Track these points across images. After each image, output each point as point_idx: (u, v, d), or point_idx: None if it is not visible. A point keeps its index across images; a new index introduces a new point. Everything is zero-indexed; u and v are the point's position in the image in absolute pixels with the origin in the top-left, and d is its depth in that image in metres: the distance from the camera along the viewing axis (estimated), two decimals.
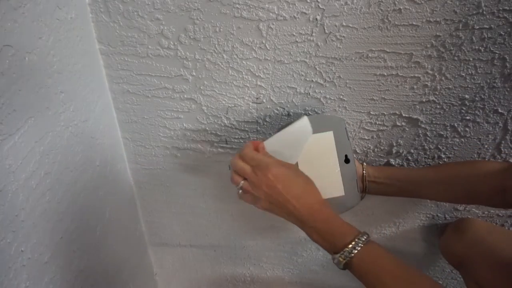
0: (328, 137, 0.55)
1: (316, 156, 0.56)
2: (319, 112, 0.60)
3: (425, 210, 0.73)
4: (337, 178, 0.56)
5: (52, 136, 0.46)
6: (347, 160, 0.56)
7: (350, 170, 0.56)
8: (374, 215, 0.75)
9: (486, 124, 0.58)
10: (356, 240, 0.42)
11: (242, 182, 0.48)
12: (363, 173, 0.59)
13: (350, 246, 0.42)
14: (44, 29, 0.43)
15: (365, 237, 0.43)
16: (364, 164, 0.60)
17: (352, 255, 0.42)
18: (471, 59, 0.52)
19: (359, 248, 0.41)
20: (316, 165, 0.56)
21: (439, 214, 0.73)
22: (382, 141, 0.63)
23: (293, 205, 0.45)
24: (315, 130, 0.54)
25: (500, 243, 0.58)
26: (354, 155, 0.66)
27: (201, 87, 0.59)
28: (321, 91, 0.58)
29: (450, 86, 0.55)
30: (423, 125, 0.60)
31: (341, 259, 0.42)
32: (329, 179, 0.56)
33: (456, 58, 0.52)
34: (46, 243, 0.47)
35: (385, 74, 0.55)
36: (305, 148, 0.53)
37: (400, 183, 0.58)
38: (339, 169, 0.56)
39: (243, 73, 0.57)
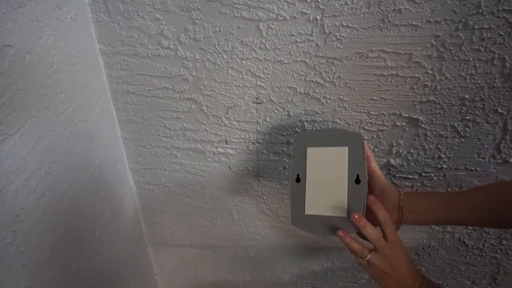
0: (341, 152, 0.52)
1: (327, 170, 0.53)
2: (319, 112, 0.60)
3: None
4: (342, 198, 0.52)
5: (52, 136, 0.46)
6: (358, 181, 0.51)
7: (359, 192, 0.51)
8: None
9: (486, 124, 0.58)
10: None
11: (369, 255, 0.49)
12: (399, 202, 0.53)
13: None
14: (44, 29, 0.43)
15: None
16: (401, 192, 0.54)
17: None
18: (471, 59, 0.52)
19: None
20: (325, 179, 0.53)
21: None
22: (382, 141, 0.63)
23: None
24: (331, 143, 0.53)
25: None
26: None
27: (201, 87, 0.59)
28: (321, 91, 0.58)
29: (450, 86, 0.55)
30: (423, 125, 0.60)
31: None
32: (334, 197, 0.52)
33: (456, 58, 0.52)
34: (46, 243, 0.47)
35: (385, 74, 0.55)
36: (315, 160, 0.53)
37: (444, 212, 0.52)
38: (347, 188, 0.52)
39: (243, 73, 0.57)
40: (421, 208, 0.53)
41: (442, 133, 0.61)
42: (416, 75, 0.54)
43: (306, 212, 0.54)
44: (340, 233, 0.50)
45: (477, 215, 0.50)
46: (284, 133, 0.64)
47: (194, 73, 0.58)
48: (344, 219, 0.52)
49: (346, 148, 0.52)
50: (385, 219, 0.49)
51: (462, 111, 0.57)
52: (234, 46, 0.54)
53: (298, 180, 0.55)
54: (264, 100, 0.60)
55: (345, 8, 0.49)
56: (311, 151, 0.54)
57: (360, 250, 0.50)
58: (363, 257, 0.49)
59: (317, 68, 0.55)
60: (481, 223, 0.53)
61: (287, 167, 0.69)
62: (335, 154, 0.53)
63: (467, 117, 0.58)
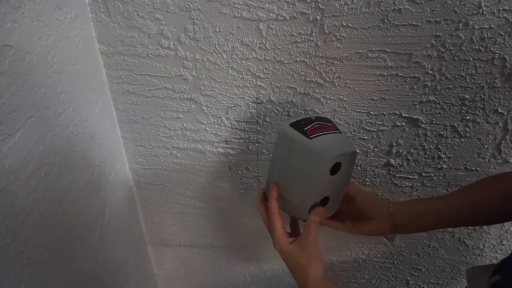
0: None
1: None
2: (319, 112, 0.60)
3: None
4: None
5: (52, 136, 0.46)
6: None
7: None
8: None
9: (486, 124, 0.58)
10: None
11: None
12: (389, 209, 0.54)
13: None
14: (44, 29, 0.43)
15: None
16: (391, 205, 0.55)
17: None
18: (471, 59, 0.52)
19: None
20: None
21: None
22: (382, 141, 0.63)
23: (294, 275, 0.52)
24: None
25: None
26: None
27: (201, 87, 0.59)
28: (321, 91, 0.58)
29: (450, 86, 0.55)
30: (423, 125, 0.60)
31: None
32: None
33: (456, 58, 0.52)
34: (46, 243, 0.47)
35: (385, 74, 0.55)
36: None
37: (443, 214, 0.53)
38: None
39: (243, 73, 0.57)
40: (418, 213, 0.53)
41: (442, 133, 0.61)
42: (416, 75, 0.54)
43: None
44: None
45: (479, 213, 0.51)
46: None
47: (194, 73, 0.58)
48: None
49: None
50: (271, 211, 0.52)
51: (462, 111, 0.57)
52: (234, 46, 0.54)
53: None
54: (264, 100, 0.60)
55: (345, 8, 0.49)
56: None
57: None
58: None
59: (317, 68, 0.55)
60: (485, 221, 0.54)
61: None
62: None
63: (467, 117, 0.58)
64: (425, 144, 0.62)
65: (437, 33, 0.50)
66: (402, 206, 0.55)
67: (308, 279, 0.49)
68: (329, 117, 0.61)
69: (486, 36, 0.49)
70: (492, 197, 0.50)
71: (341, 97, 0.58)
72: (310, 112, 0.60)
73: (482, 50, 0.50)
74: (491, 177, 0.56)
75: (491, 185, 0.52)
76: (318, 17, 0.50)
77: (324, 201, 0.53)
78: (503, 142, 0.60)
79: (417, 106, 0.58)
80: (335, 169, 0.49)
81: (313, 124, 0.51)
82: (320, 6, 0.49)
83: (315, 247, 0.50)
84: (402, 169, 0.67)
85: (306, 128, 0.50)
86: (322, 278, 0.50)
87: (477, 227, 0.74)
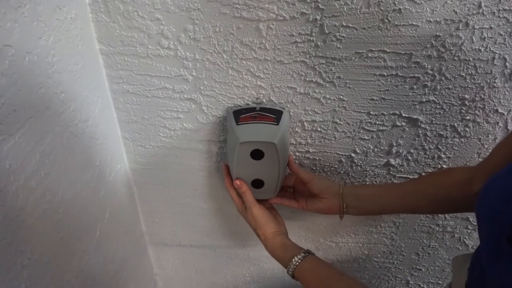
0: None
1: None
2: (319, 112, 0.60)
3: None
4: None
5: (52, 136, 0.46)
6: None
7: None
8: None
9: (486, 124, 0.58)
10: (296, 257, 0.53)
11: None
12: (339, 190, 0.58)
13: (293, 261, 0.53)
14: (44, 29, 0.43)
15: (302, 254, 0.53)
16: (342, 182, 0.60)
17: (294, 267, 0.53)
18: (471, 59, 0.52)
19: (298, 263, 0.53)
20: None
21: (439, 214, 0.73)
22: (382, 141, 0.63)
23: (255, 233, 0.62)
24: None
25: None
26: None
27: (201, 87, 0.59)
28: (321, 91, 0.58)
29: (450, 86, 0.55)
30: (423, 125, 0.60)
31: (289, 272, 0.54)
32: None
33: (456, 58, 0.52)
34: (46, 243, 0.47)
35: (385, 74, 0.55)
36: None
37: (389, 199, 0.57)
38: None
39: (243, 73, 0.57)
40: (365, 196, 0.58)
41: (442, 133, 0.61)
42: (416, 75, 0.54)
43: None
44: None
45: (408, 202, 0.56)
46: None
47: (194, 73, 0.58)
48: None
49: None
50: (242, 191, 0.60)
51: (462, 111, 0.57)
52: (234, 46, 0.54)
53: None
54: (264, 100, 0.60)
55: (345, 8, 0.49)
56: None
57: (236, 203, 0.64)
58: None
59: (317, 68, 0.55)
60: (429, 210, 0.59)
61: None
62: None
63: (467, 117, 0.58)
64: (425, 144, 0.63)
65: (437, 33, 0.50)
66: (352, 188, 0.60)
67: (260, 238, 0.60)
68: (329, 117, 0.61)
69: (486, 36, 0.49)
70: (435, 187, 0.53)
71: (341, 97, 0.58)
72: (310, 112, 0.60)
73: (482, 50, 0.50)
74: (441, 170, 0.61)
75: (438, 176, 0.55)
76: (318, 17, 0.50)
77: (257, 183, 0.60)
78: None
79: (417, 106, 0.58)
80: (257, 155, 0.55)
81: (251, 113, 0.57)
82: (320, 6, 0.49)
83: (258, 213, 0.59)
84: (402, 169, 0.67)
85: (241, 116, 0.57)
86: (273, 237, 0.58)
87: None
